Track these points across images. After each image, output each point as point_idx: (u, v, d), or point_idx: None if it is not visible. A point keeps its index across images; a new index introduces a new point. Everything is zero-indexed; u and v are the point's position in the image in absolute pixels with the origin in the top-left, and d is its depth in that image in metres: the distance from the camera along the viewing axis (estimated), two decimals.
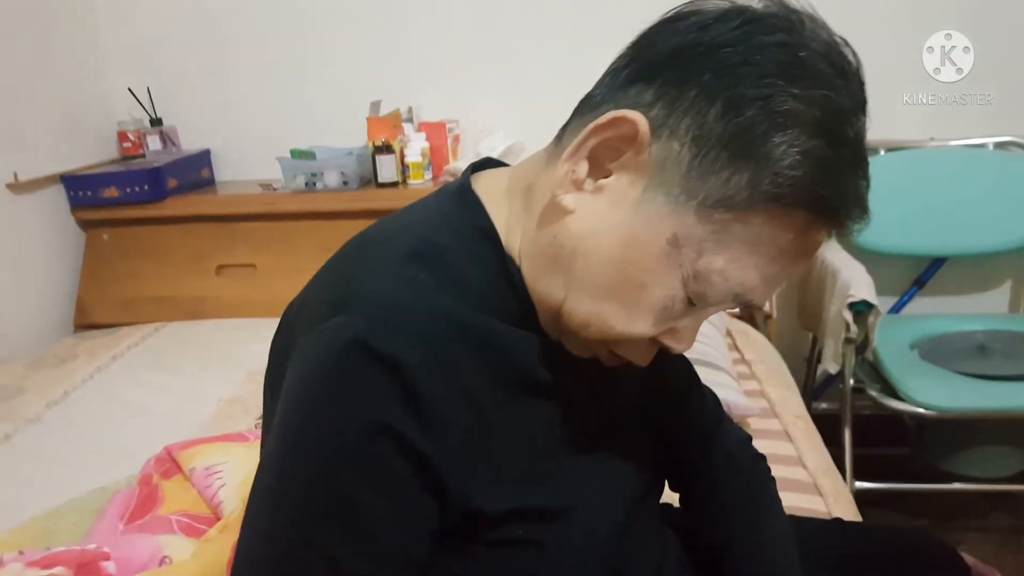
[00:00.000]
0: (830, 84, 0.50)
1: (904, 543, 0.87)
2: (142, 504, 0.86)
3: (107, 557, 0.75)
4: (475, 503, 0.53)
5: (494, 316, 0.56)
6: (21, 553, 0.76)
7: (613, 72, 0.55)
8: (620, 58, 0.55)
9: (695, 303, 0.53)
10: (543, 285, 0.57)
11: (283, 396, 0.54)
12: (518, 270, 0.58)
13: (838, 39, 0.52)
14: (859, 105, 0.51)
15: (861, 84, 0.52)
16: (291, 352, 0.55)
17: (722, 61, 0.50)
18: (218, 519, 0.84)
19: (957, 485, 1.77)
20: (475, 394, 0.53)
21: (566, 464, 0.60)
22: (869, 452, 1.76)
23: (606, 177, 0.53)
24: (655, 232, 0.51)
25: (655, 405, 0.72)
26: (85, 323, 1.82)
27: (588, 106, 0.56)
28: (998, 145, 1.88)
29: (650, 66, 0.52)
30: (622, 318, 0.54)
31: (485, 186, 0.61)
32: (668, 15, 0.54)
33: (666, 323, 0.55)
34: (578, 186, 0.54)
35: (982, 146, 1.89)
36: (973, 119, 1.88)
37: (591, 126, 0.52)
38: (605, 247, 0.53)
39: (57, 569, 0.73)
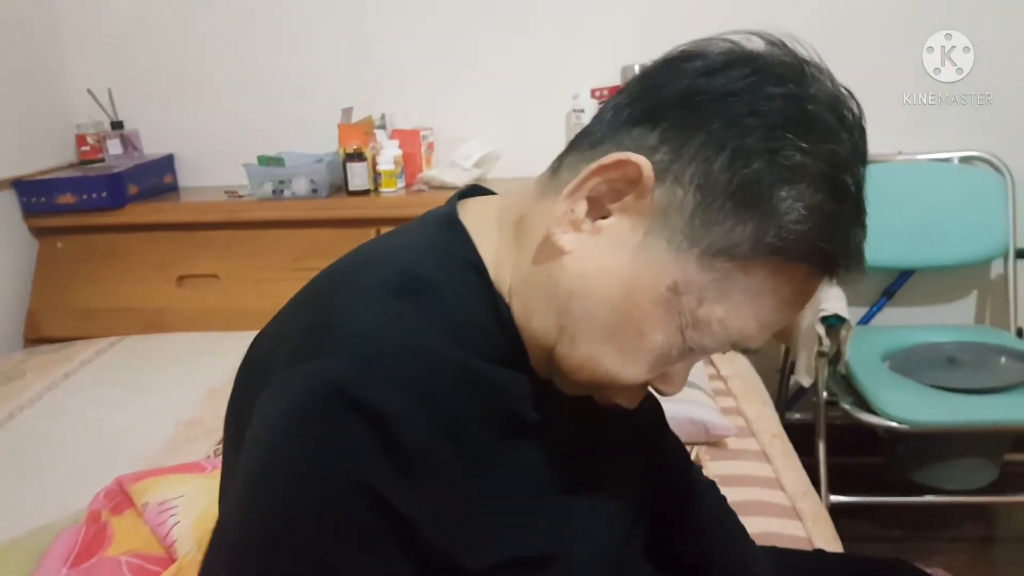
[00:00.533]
0: (836, 137, 0.49)
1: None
2: (88, 544, 0.80)
3: None
4: (461, 559, 0.51)
5: (482, 355, 0.53)
6: None
7: (615, 109, 0.53)
8: (622, 95, 0.54)
9: (693, 349, 0.52)
10: (536, 324, 0.54)
11: (250, 442, 0.50)
12: (507, 307, 0.55)
13: (843, 90, 0.51)
14: (861, 157, 0.51)
15: (863, 135, 0.51)
16: (260, 392, 0.51)
17: (730, 110, 0.49)
18: (172, 560, 0.79)
19: (930, 497, 1.78)
20: (463, 440, 0.50)
21: (556, 506, 0.58)
22: (843, 461, 1.76)
23: (605, 218, 0.52)
24: (655, 278, 0.50)
25: (640, 439, 0.71)
26: (36, 337, 1.75)
27: (587, 142, 0.54)
28: (963, 159, 1.91)
29: (655, 108, 0.51)
30: (617, 363, 0.53)
31: (473, 215, 0.58)
32: (673, 54, 0.53)
33: (660, 368, 0.54)
34: (576, 226, 0.52)
35: (948, 160, 1.91)
36: (939, 133, 1.89)
37: (594, 166, 0.50)
38: (603, 290, 0.51)
39: None
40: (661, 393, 0.57)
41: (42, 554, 0.80)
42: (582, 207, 0.52)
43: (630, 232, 0.51)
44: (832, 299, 1.61)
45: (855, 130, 0.50)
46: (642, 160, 0.49)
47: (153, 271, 1.78)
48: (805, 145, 0.48)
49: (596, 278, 0.51)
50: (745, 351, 0.55)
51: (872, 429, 1.62)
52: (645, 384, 0.55)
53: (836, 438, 1.74)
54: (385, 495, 0.46)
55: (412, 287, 0.52)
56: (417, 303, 0.51)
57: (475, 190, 0.63)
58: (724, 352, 0.55)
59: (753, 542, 0.78)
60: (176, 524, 0.81)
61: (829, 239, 0.49)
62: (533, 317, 0.54)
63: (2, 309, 1.75)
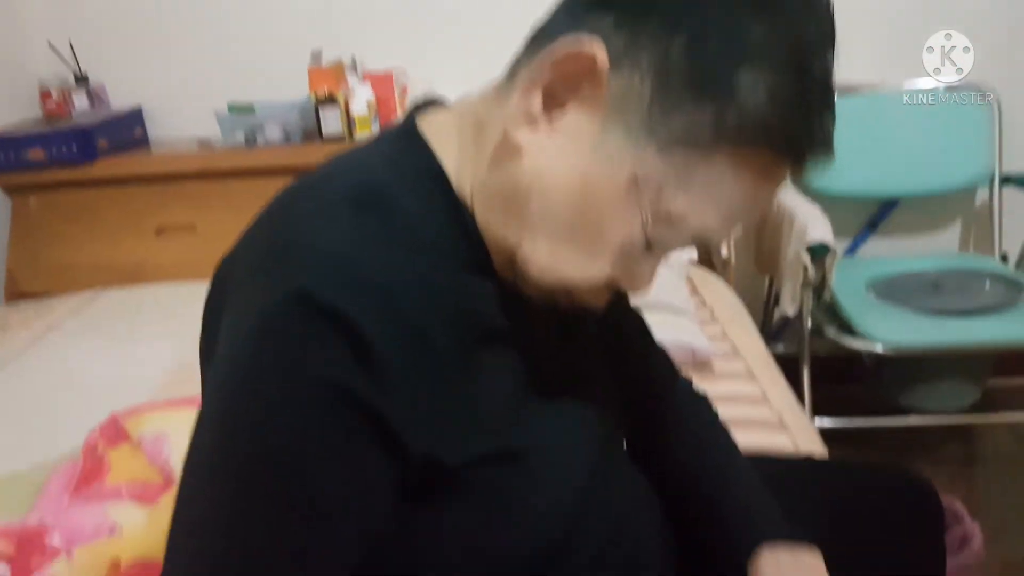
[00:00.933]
0: (799, 16, 0.47)
1: (877, 480, 0.87)
2: (87, 476, 0.80)
3: (51, 530, 0.71)
4: (437, 454, 0.51)
5: (447, 264, 0.53)
6: None
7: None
8: None
9: (654, 245, 0.51)
10: (497, 228, 0.54)
11: (218, 358, 0.49)
12: (470, 214, 0.55)
13: None
14: (828, 39, 0.49)
15: (830, 16, 0.49)
16: (225, 311, 0.51)
17: None
18: (170, 486, 0.79)
19: (914, 418, 1.81)
20: (432, 345, 0.50)
21: (532, 409, 0.58)
22: (826, 392, 1.78)
23: (562, 112, 0.50)
24: (613, 172, 0.49)
25: (617, 357, 0.72)
26: (16, 294, 1.73)
27: (542, 36, 0.52)
28: (949, 87, 1.89)
29: None
30: (578, 261, 0.52)
31: (431, 126, 0.57)
32: None
33: (624, 266, 0.53)
34: (532, 122, 0.50)
35: (933, 89, 1.90)
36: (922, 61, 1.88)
37: (546, 58, 0.49)
38: (561, 187, 0.50)
39: None
40: (629, 292, 0.56)
41: (42, 486, 0.80)
42: (537, 102, 0.50)
43: (587, 125, 0.49)
44: (817, 227, 1.60)
45: (821, 10, 0.48)
46: (595, 47, 0.47)
47: (129, 225, 1.75)
48: (764, 23, 0.46)
49: (554, 175, 0.50)
50: (709, 248, 0.54)
51: (856, 359, 1.64)
52: (611, 284, 0.54)
53: (820, 369, 1.76)
54: (360, 395, 0.46)
55: (373, 199, 0.52)
56: (379, 215, 0.51)
57: (433, 102, 0.62)
58: (687, 247, 0.54)
59: (746, 466, 0.76)
60: (173, 452, 0.81)
61: (794, 123, 0.47)
62: (494, 220, 0.54)
63: None
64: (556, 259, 0.52)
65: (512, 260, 0.54)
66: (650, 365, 0.79)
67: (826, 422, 1.75)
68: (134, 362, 1.29)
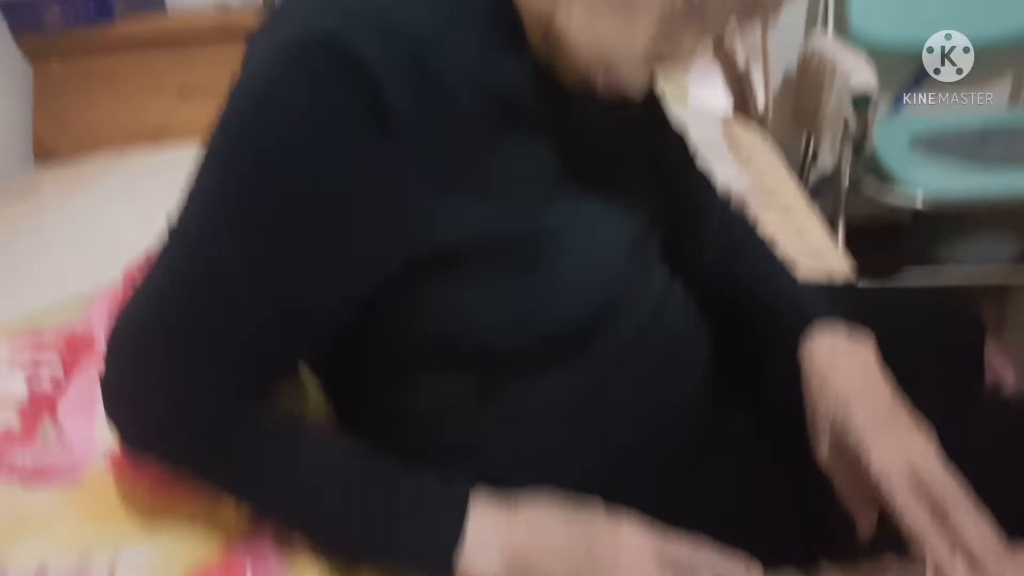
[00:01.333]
0: None
1: (917, 301, 0.87)
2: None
3: (98, 334, 0.74)
4: (457, 227, 0.51)
5: (482, 35, 0.52)
6: None
7: None
8: None
9: (699, 8, 0.48)
10: None
11: (231, 91, 0.50)
12: None
13: None
14: None
15: None
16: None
17: None
18: None
19: (952, 273, 1.78)
20: (455, 108, 0.49)
21: (561, 193, 0.57)
22: (862, 258, 1.74)
23: None
24: None
25: (656, 162, 0.70)
26: (45, 157, 1.74)
27: None
28: None
29: None
30: (617, 29, 0.49)
31: None
32: None
33: (665, 35, 0.50)
34: None
35: None
36: None
37: None
38: None
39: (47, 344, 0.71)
40: (670, 65, 0.53)
41: (87, 306, 0.83)
42: None
43: None
44: (861, 73, 1.53)
45: None
46: None
47: (151, 88, 1.74)
48: None
49: None
50: (761, 10, 0.50)
51: (894, 224, 1.59)
52: (650, 59, 0.51)
53: (856, 234, 1.71)
54: (366, 139, 0.47)
55: None
56: None
57: None
58: (736, 18, 0.50)
59: (789, 266, 0.75)
60: None
61: None
62: None
63: (7, 133, 1.73)
64: (593, 27, 0.50)
65: (547, 33, 0.52)
66: (688, 176, 0.78)
67: (860, 283, 1.72)
68: (166, 213, 1.30)
